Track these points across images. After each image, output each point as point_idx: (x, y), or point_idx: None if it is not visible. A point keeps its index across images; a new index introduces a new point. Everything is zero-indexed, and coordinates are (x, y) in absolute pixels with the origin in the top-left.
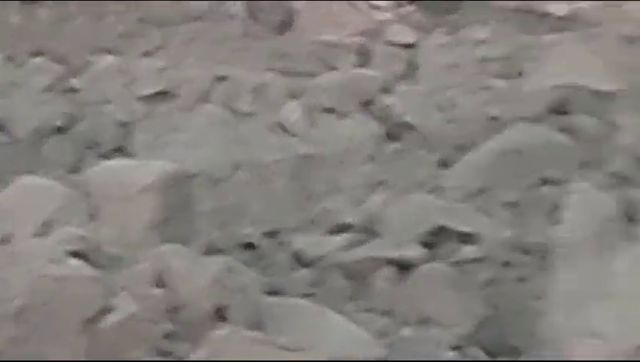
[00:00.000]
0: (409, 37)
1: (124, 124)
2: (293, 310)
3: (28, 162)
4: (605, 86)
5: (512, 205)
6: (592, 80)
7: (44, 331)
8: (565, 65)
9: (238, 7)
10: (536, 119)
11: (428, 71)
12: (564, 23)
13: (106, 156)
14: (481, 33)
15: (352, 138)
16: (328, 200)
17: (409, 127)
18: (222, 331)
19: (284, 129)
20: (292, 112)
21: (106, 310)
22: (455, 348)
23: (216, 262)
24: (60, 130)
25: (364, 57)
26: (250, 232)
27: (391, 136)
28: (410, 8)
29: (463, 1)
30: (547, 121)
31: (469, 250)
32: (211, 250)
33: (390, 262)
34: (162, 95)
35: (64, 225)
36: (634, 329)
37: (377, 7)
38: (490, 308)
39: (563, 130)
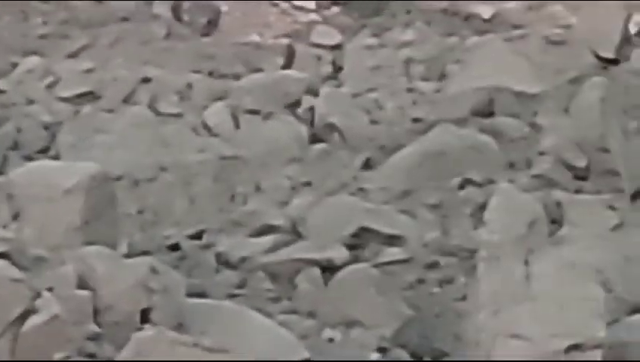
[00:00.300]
0: (334, 38)
1: (48, 126)
2: (218, 311)
3: None
4: (529, 87)
5: (436, 207)
6: (515, 82)
7: None
8: (489, 67)
9: (163, 8)
10: (460, 121)
11: (353, 72)
12: (489, 25)
13: (30, 157)
14: (406, 35)
15: (276, 139)
16: (252, 201)
17: (333, 128)
18: (146, 332)
19: (208, 130)
20: (216, 114)
21: (29, 312)
22: (379, 349)
23: (140, 264)
24: None
25: (289, 59)
26: (174, 234)
27: (315, 138)
28: (335, 10)
29: (389, 1)
30: (471, 122)
31: (393, 252)
32: (135, 252)
33: (314, 263)
34: (87, 96)
35: None
36: (557, 332)
37: (302, 9)
38: (414, 310)
39: (487, 131)
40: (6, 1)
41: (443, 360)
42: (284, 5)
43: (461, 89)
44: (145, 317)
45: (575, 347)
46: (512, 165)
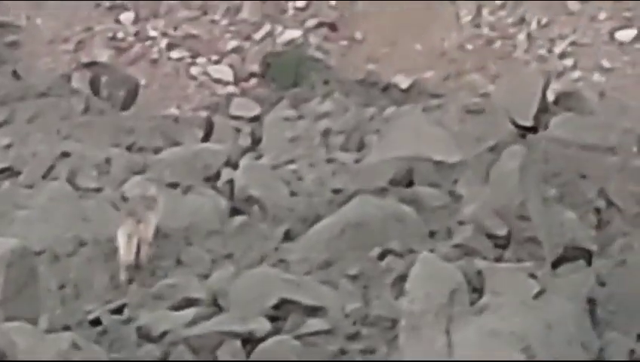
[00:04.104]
0: (253, 110)
1: None
2: None
3: None
4: (448, 157)
5: (357, 277)
6: (434, 151)
7: None
8: (408, 136)
9: (81, 83)
10: (380, 191)
11: (272, 144)
12: (407, 95)
13: None
14: (324, 106)
15: (196, 213)
16: (173, 275)
17: (253, 200)
18: None
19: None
20: (135, 188)
21: None
22: None
23: (61, 339)
24: None
25: (207, 131)
26: (95, 308)
27: (235, 210)
28: (253, 82)
29: (307, 73)
30: (391, 192)
31: (314, 323)
32: (56, 327)
33: (235, 336)
34: (6, 172)
35: None
36: None
37: (220, 81)
38: None
39: (407, 201)
40: None
41: None
42: (202, 78)
43: (380, 159)
44: None
45: None
46: (432, 234)
